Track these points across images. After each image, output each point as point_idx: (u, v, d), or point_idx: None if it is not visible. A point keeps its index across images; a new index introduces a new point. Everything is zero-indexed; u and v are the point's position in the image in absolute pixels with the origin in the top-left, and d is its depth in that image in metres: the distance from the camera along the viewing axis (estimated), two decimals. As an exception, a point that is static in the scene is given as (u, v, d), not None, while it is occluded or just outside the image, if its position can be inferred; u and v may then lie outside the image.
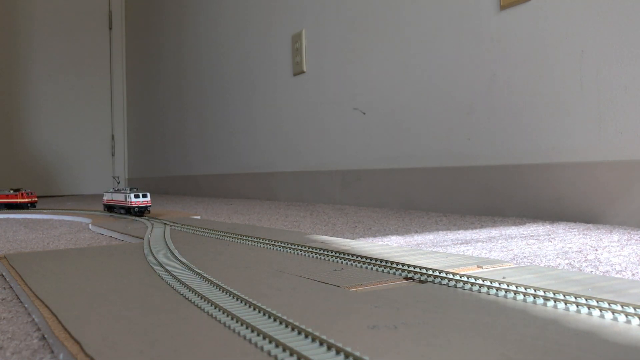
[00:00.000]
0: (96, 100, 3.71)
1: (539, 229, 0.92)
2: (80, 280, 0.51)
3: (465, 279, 0.44)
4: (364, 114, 1.62)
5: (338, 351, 0.28)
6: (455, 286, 0.44)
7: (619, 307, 0.35)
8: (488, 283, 0.43)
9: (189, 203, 2.10)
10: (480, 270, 0.51)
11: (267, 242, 0.72)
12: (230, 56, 2.44)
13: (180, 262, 0.57)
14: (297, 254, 0.64)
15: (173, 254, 0.63)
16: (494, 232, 0.90)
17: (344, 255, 0.58)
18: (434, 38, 1.38)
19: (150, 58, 3.41)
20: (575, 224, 0.99)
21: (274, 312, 0.35)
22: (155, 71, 3.33)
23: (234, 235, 0.80)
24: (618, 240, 0.77)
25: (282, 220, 1.25)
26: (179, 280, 0.48)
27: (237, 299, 0.40)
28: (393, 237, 0.88)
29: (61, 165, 3.61)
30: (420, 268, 0.49)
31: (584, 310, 0.36)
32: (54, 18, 3.57)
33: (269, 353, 0.29)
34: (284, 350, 0.29)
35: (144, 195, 1.21)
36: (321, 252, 0.61)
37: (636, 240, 0.77)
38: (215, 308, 0.38)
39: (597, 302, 0.36)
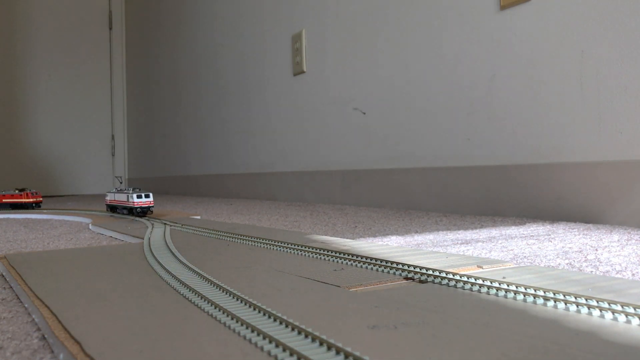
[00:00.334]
0: (96, 100, 3.71)
1: (539, 229, 0.92)
2: (80, 280, 0.51)
3: (465, 279, 0.44)
4: (364, 114, 1.62)
5: (338, 351, 0.28)
6: (455, 286, 0.44)
7: (619, 307, 0.35)
8: (488, 283, 0.43)
9: (189, 203, 2.10)
10: (480, 270, 0.51)
11: (267, 242, 0.72)
12: (230, 56, 2.44)
13: (180, 262, 0.57)
14: (297, 254, 0.64)
15: (173, 254, 0.63)
16: (494, 232, 0.90)
17: (344, 255, 0.58)
18: (434, 38, 1.38)
19: (150, 58, 3.41)
20: (575, 224, 0.99)
21: (274, 312, 0.35)
22: (155, 71, 3.33)
23: (234, 235, 0.80)
24: (618, 240, 0.77)
25: (282, 220, 1.25)
26: (179, 280, 0.48)
27: (237, 299, 0.40)
28: (393, 237, 0.88)
29: (61, 165, 3.61)
30: (420, 268, 0.49)
31: (584, 310, 0.36)
32: (54, 18, 3.57)
33: (269, 353, 0.29)
34: (284, 350, 0.29)
35: (147, 196, 1.20)
36: (321, 252, 0.61)
37: (636, 240, 0.77)
38: (215, 308, 0.38)
39: (597, 302, 0.36)
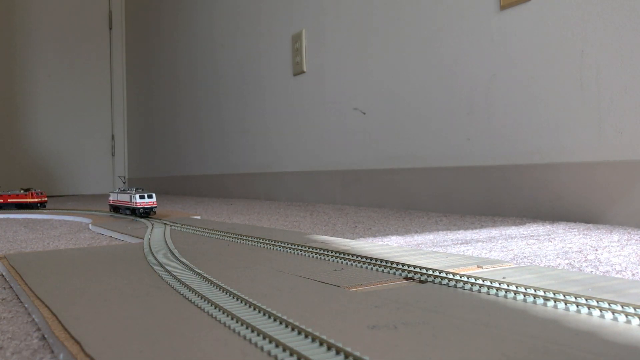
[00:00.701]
0: (96, 100, 3.71)
1: (539, 229, 0.92)
2: (80, 280, 0.51)
3: (465, 279, 0.44)
4: (364, 114, 1.62)
5: (338, 351, 0.28)
6: (455, 286, 0.44)
7: (619, 307, 0.35)
8: (488, 283, 0.43)
9: (189, 203, 2.10)
10: (480, 270, 0.51)
11: (267, 242, 0.72)
12: (230, 56, 2.44)
13: (180, 262, 0.57)
14: (297, 254, 0.64)
15: (173, 254, 0.63)
16: (494, 232, 0.90)
17: (344, 255, 0.58)
18: (434, 38, 1.38)
19: (150, 58, 3.41)
20: (575, 224, 0.99)
21: (274, 312, 0.35)
22: (155, 71, 3.33)
23: (234, 235, 0.80)
24: (618, 240, 0.77)
25: (282, 220, 1.25)
26: (179, 280, 0.48)
27: (237, 299, 0.40)
28: (393, 237, 0.88)
29: (61, 166, 3.61)
30: (420, 268, 0.49)
31: (584, 310, 0.36)
32: (54, 18, 3.57)
33: (269, 353, 0.29)
34: (284, 350, 0.29)
35: (149, 196, 1.19)
36: (321, 252, 0.61)
37: (636, 240, 0.77)
38: (215, 308, 0.38)
39: (597, 302, 0.36)
